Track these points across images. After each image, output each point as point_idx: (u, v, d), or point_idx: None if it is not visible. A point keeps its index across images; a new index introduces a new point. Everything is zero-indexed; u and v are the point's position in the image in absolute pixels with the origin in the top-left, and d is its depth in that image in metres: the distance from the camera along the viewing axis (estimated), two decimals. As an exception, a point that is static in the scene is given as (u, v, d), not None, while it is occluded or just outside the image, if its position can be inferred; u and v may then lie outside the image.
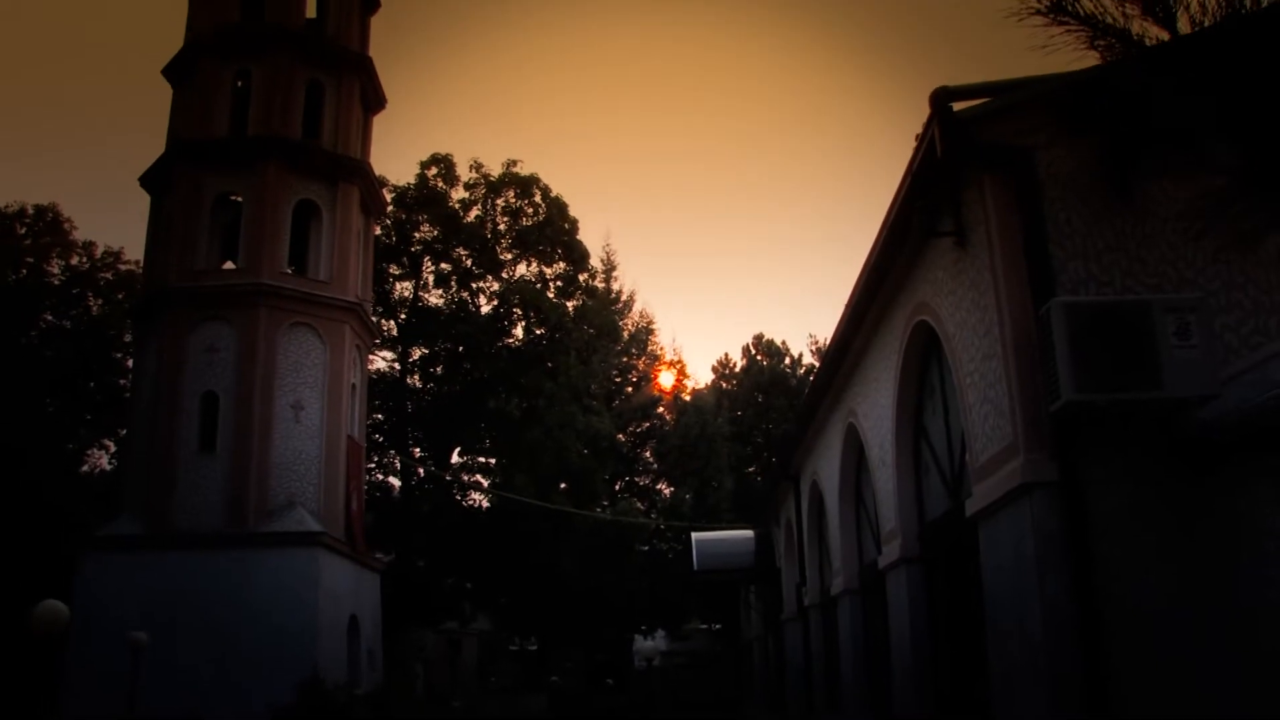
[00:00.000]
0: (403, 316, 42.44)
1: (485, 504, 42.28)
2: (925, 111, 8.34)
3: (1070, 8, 2.84)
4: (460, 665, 52.46)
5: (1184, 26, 2.57)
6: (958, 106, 8.30)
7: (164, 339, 25.86)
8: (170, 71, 29.54)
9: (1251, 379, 7.11)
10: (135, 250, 36.68)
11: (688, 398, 47.14)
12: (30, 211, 37.57)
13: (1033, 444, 7.52)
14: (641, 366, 48.71)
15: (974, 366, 8.79)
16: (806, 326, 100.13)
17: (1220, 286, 7.72)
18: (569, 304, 42.78)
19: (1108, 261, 7.89)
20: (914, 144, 8.95)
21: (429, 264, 42.76)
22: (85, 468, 38.24)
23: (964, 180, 8.75)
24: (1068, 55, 3.19)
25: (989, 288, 8.25)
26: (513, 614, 45.11)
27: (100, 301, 38.22)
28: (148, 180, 28.69)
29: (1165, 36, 2.44)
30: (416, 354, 43.14)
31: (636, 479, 46.96)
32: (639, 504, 42.89)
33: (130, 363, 33.04)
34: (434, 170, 42.44)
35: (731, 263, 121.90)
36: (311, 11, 30.59)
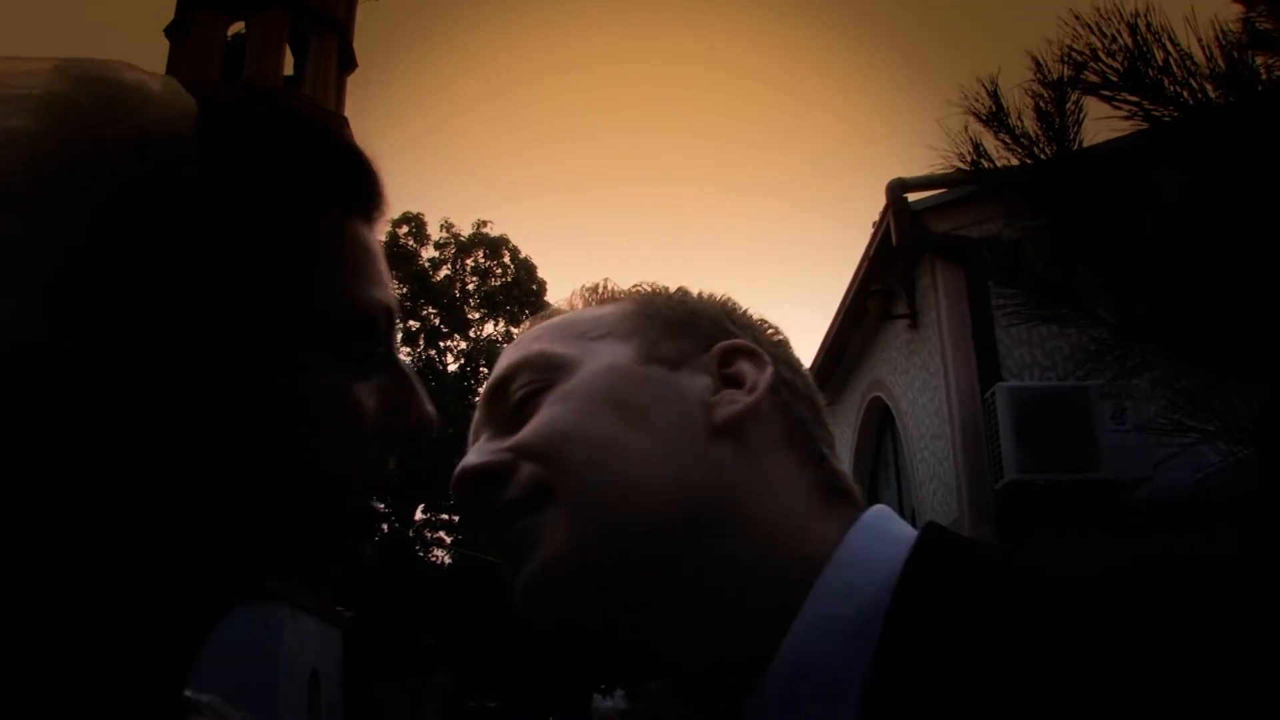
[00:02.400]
0: (370, 372, 42.57)
1: (448, 560, 42.25)
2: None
3: (1006, 123, 3.14)
4: (420, 721, 51.96)
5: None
6: (912, 197, 8.82)
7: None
8: (170, 31, 31.49)
9: (1183, 461, 7.56)
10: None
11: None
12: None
13: (978, 519, 7.93)
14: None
15: (924, 444, 9.23)
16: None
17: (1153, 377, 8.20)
18: (536, 363, 43.09)
19: (1050, 348, 8.36)
20: (871, 230, 9.48)
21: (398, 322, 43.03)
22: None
23: (918, 266, 9.25)
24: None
25: (939, 370, 8.71)
26: (475, 672, 44.93)
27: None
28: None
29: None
30: (382, 410, 43.21)
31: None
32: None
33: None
34: (405, 229, 42.85)
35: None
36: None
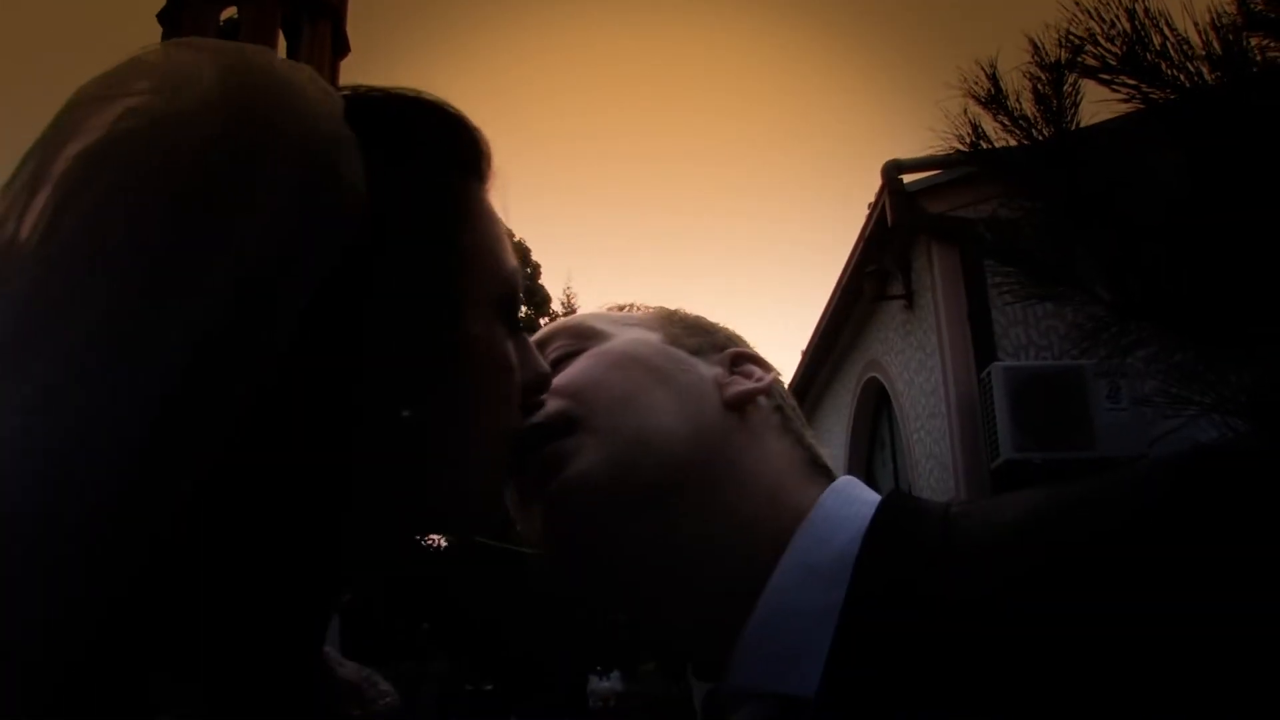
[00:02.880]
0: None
1: (443, 544, 42.36)
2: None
3: (1005, 105, 3.18)
4: (419, 706, 52.12)
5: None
6: (909, 178, 8.86)
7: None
8: (162, 16, 31.85)
9: (1177, 439, 7.62)
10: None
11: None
12: None
13: (974, 499, 7.98)
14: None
15: (921, 424, 9.29)
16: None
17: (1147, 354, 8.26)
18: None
19: (1046, 327, 8.41)
20: (867, 212, 9.52)
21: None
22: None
23: (913, 247, 9.29)
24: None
25: (935, 350, 8.77)
26: (472, 656, 45.05)
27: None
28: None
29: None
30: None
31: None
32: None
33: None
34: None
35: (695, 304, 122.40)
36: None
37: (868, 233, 9.44)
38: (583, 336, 0.99)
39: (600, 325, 1.01)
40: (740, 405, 0.95)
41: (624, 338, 0.99)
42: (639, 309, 1.08)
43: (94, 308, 0.59)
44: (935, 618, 0.73)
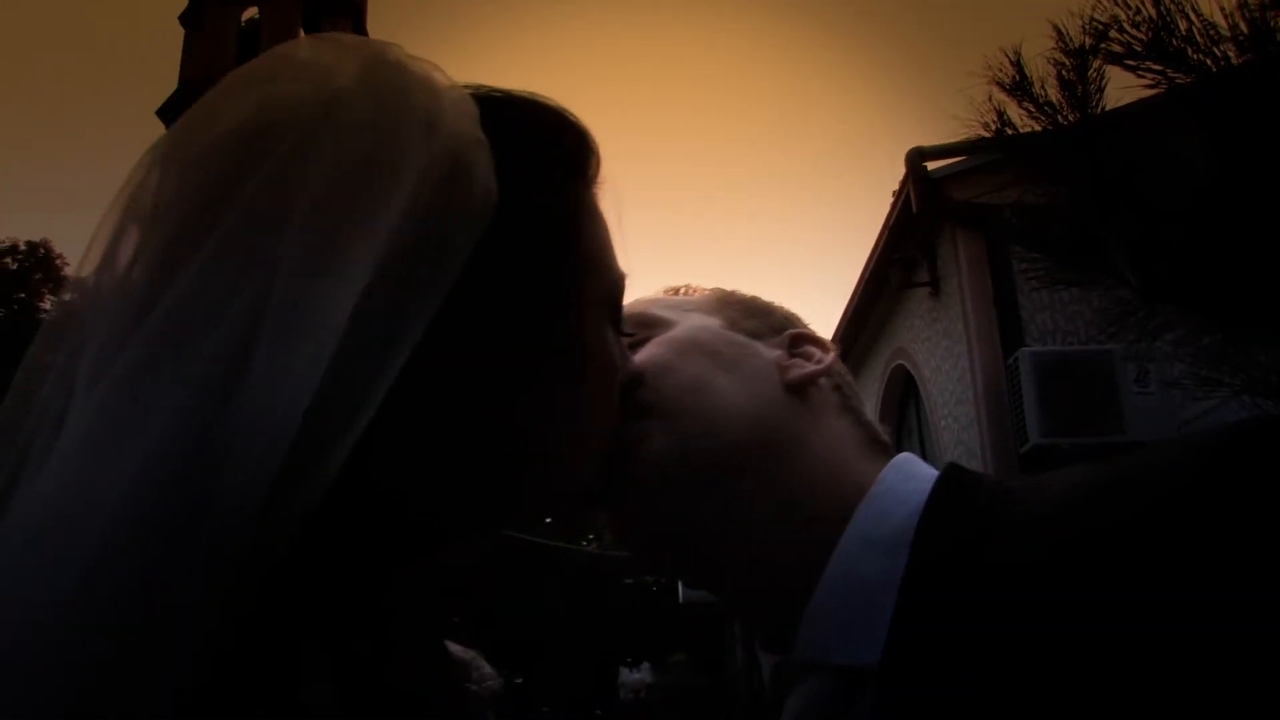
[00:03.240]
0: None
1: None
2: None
3: (1030, 91, 3.18)
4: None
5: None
6: (932, 166, 8.85)
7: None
8: (184, 18, 32.53)
9: (1207, 422, 7.59)
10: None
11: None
12: (22, 247, 37.83)
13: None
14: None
15: (948, 410, 9.28)
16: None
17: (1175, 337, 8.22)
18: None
19: (1072, 312, 8.39)
20: (891, 199, 9.50)
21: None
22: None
23: (938, 234, 9.28)
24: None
25: (961, 337, 8.75)
26: (497, 648, 45.24)
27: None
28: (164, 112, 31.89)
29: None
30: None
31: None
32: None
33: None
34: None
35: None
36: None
37: (892, 221, 9.43)
38: (647, 325, 1.02)
39: (663, 313, 1.04)
40: (801, 388, 0.98)
41: (686, 324, 1.02)
42: (695, 291, 1.12)
43: (258, 281, 0.62)
44: (993, 587, 0.76)
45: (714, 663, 44.05)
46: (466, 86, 0.78)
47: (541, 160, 0.78)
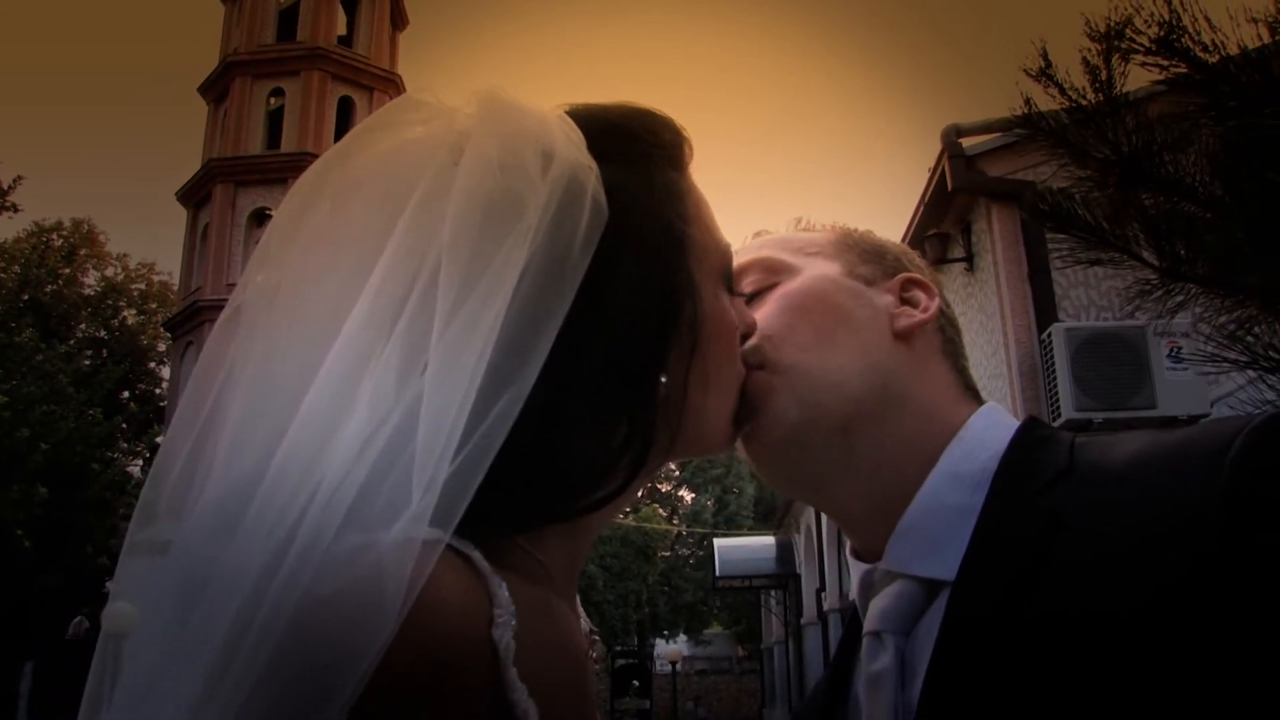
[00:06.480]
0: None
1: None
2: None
3: (1054, 78, 3.27)
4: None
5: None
6: (967, 142, 8.90)
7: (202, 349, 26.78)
8: None
9: (1241, 397, 7.62)
10: (167, 263, 37.83)
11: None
12: (66, 224, 38.35)
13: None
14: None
15: (982, 385, 9.23)
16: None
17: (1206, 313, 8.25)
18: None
19: (1107, 288, 8.43)
20: (927, 175, 9.56)
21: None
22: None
23: (973, 210, 9.33)
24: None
25: (995, 312, 8.82)
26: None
27: (134, 312, 38.98)
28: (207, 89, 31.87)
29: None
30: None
31: (659, 485, 47.52)
32: (661, 510, 43.44)
33: (165, 372, 33.94)
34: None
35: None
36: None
37: (927, 196, 9.49)
38: (773, 271, 1.16)
39: (787, 258, 1.18)
40: (909, 336, 1.12)
41: (808, 274, 1.15)
42: (817, 229, 1.25)
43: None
44: (1058, 527, 0.91)
45: (750, 635, 44.27)
46: (565, 108, 0.92)
47: (645, 165, 0.91)
